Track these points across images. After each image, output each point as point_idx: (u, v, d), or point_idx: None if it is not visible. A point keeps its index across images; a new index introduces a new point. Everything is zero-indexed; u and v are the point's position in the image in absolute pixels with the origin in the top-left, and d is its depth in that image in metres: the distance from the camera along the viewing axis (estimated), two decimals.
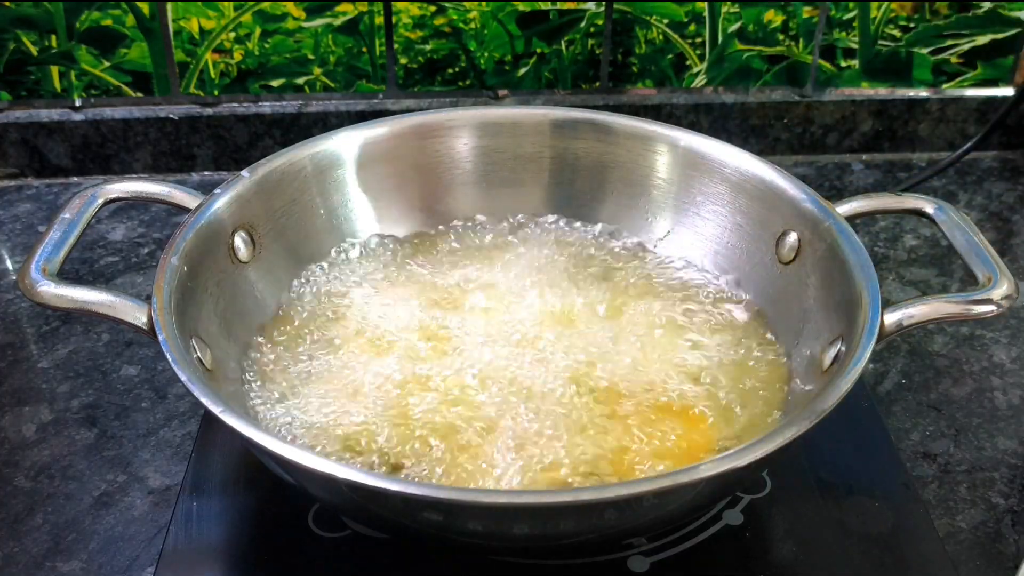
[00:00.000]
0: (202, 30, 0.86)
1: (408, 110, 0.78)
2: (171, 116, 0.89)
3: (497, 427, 0.55)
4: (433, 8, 0.87)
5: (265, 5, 0.85)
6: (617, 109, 0.81)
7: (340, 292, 0.66)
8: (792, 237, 0.63)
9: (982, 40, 0.92)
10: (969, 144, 0.90)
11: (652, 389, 0.58)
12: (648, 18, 0.89)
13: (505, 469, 0.53)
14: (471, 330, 0.62)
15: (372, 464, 0.53)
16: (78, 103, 0.88)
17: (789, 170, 0.65)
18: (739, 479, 0.53)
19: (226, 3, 0.85)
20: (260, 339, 0.62)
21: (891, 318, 0.53)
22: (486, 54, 0.89)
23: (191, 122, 0.89)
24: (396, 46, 0.88)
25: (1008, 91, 0.94)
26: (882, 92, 0.94)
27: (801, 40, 0.91)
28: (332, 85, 0.89)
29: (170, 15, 0.85)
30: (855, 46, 0.91)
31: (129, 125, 0.89)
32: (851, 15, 0.90)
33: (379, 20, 0.87)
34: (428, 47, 0.88)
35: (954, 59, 0.93)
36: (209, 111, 0.89)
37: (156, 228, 0.84)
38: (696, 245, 0.69)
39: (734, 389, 0.59)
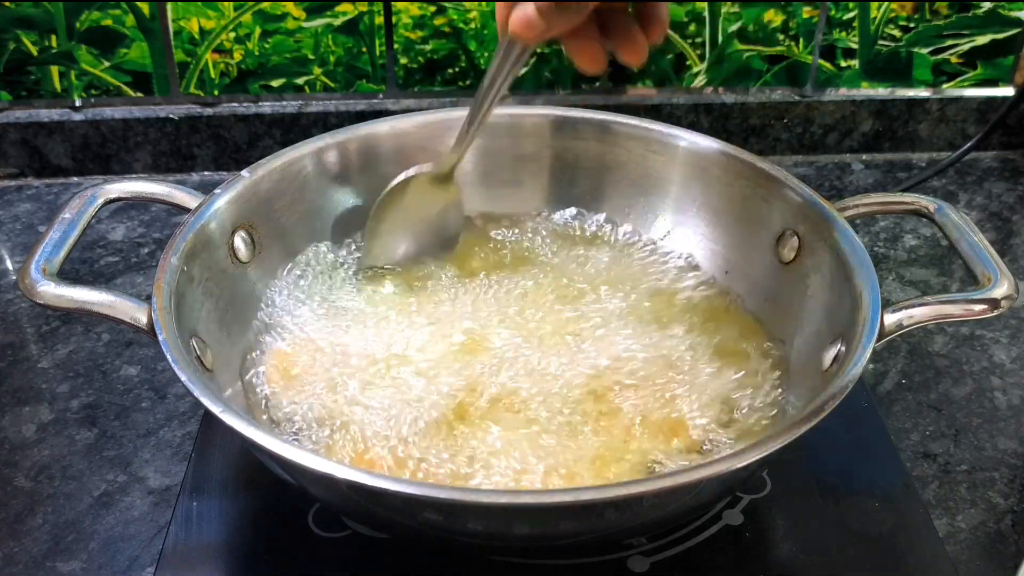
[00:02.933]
0: (202, 30, 0.86)
1: (408, 110, 0.78)
2: (171, 116, 0.89)
3: (493, 425, 0.55)
4: (433, 8, 0.87)
5: (265, 5, 0.85)
6: (617, 109, 0.81)
7: (338, 291, 0.66)
8: (792, 237, 0.63)
9: (982, 40, 0.92)
10: (969, 144, 0.90)
11: (649, 387, 0.58)
12: None
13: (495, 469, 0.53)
14: (469, 330, 0.62)
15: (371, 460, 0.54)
16: (78, 103, 0.88)
17: (789, 170, 0.65)
18: (739, 479, 0.53)
19: (226, 3, 0.85)
20: (260, 337, 0.62)
21: (891, 318, 0.53)
22: (486, 54, 0.89)
23: (191, 122, 0.89)
24: (396, 46, 0.88)
25: (1008, 91, 0.94)
26: (882, 92, 0.94)
27: (801, 40, 0.91)
28: (332, 85, 0.89)
29: (170, 15, 0.85)
30: (855, 46, 0.91)
31: (129, 125, 0.89)
32: (851, 15, 0.90)
33: (379, 20, 0.87)
34: (428, 47, 0.88)
35: (954, 59, 0.93)
36: (209, 111, 0.89)
37: (156, 228, 0.84)
38: (696, 245, 0.69)
39: (733, 389, 0.59)
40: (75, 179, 0.90)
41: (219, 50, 0.87)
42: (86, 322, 0.72)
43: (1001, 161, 0.95)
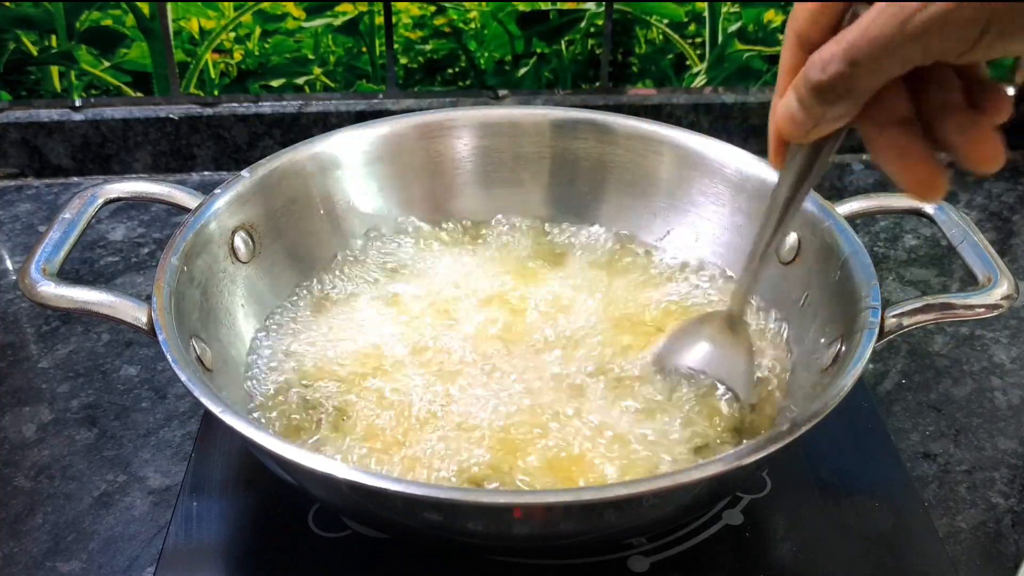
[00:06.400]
0: (202, 30, 0.86)
1: (408, 110, 0.78)
2: (171, 116, 0.89)
3: (493, 422, 0.56)
4: (433, 8, 0.87)
5: (265, 5, 0.85)
6: (617, 109, 0.81)
7: (338, 291, 0.66)
8: (792, 237, 0.63)
9: None
10: None
11: (646, 387, 0.58)
12: (648, 18, 0.89)
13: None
14: (467, 329, 0.62)
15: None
16: (78, 103, 0.88)
17: None
18: (739, 479, 0.53)
19: (226, 3, 0.85)
20: (260, 337, 0.62)
21: (891, 318, 0.53)
22: (486, 54, 0.89)
23: (191, 122, 0.89)
24: (396, 46, 0.88)
25: (1008, 91, 0.94)
26: None
27: None
28: (332, 85, 0.89)
29: (170, 15, 0.85)
30: None
31: (129, 125, 0.89)
32: None
33: (379, 20, 0.87)
34: (428, 47, 0.88)
35: None
36: (209, 111, 0.89)
37: (156, 228, 0.84)
38: (696, 245, 0.69)
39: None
40: (75, 179, 0.90)
41: (219, 50, 0.87)
42: (86, 322, 0.72)
43: None
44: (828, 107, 0.40)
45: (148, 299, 0.53)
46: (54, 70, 0.87)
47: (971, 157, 0.38)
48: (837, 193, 0.90)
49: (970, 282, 0.56)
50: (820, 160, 0.45)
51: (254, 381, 0.59)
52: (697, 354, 0.58)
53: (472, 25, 0.88)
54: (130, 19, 0.85)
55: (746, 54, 0.91)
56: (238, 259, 0.62)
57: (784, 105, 0.41)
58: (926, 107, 0.40)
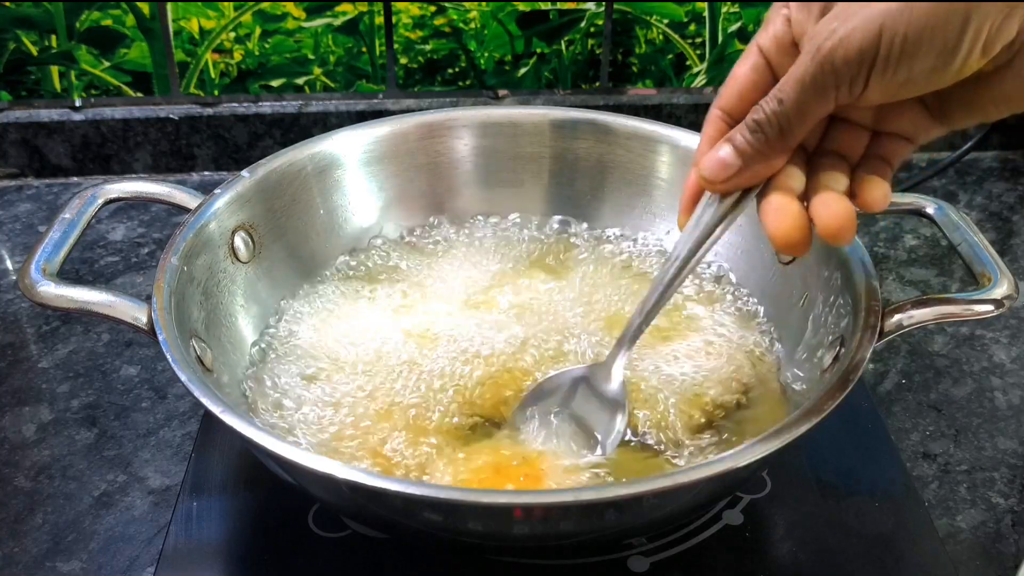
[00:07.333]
0: (202, 30, 0.86)
1: (408, 110, 0.78)
2: (171, 116, 0.89)
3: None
4: (433, 8, 0.87)
5: (265, 5, 0.85)
6: (617, 109, 0.81)
7: (337, 291, 0.66)
8: None
9: None
10: (969, 144, 0.90)
11: (646, 388, 0.58)
12: (648, 18, 0.89)
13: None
14: (466, 331, 0.62)
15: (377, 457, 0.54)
16: (78, 103, 0.88)
17: None
18: (739, 479, 0.53)
19: (226, 3, 0.85)
20: (260, 338, 0.62)
21: (891, 318, 0.53)
22: (486, 54, 0.89)
23: (191, 122, 0.89)
24: (396, 46, 0.88)
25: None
26: None
27: None
28: (332, 85, 0.89)
29: (170, 15, 0.85)
30: None
31: (129, 125, 0.89)
32: None
33: (379, 20, 0.87)
34: (428, 47, 0.88)
35: None
36: (209, 111, 0.89)
37: (156, 228, 0.84)
38: None
39: (733, 389, 0.59)
40: (75, 179, 0.90)
41: (219, 50, 0.87)
42: (86, 322, 0.72)
43: (1001, 161, 0.95)
44: (762, 145, 0.44)
45: (148, 299, 0.53)
46: (54, 70, 0.87)
47: (820, 229, 0.45)
48: None
49: (970, 282, 0.56)
50: (725, 222, 0.48)
51: (254, 381, 0.59)
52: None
53: (472, 25, 0.88)
54: (130, 19, 0.85)
55: None
56: (238, 259, 0.62)
57: (713, 153, 0.46)
58: (811, 180, 0.46)
